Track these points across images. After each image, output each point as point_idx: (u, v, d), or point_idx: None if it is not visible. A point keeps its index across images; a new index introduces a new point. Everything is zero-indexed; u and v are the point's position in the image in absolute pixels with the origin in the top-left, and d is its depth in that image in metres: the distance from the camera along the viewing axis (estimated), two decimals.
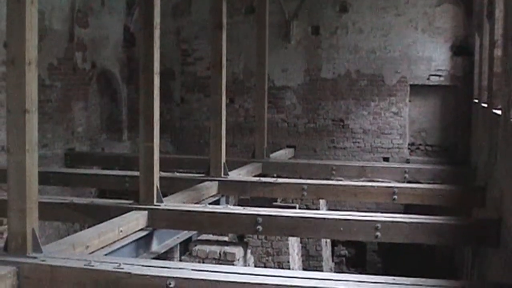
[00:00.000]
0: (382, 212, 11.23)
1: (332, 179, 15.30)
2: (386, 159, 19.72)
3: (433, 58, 19.46)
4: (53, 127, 16.60)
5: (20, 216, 7.73)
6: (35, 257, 7.72)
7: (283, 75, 20.39)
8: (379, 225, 9.94)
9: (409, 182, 15.12)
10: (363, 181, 15.13)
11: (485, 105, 13.48)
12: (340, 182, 14.00)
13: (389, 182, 14.78)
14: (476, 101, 16.83)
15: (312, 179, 14.38)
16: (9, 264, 7.58)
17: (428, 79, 19.54)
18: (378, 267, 19.38)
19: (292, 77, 20.38)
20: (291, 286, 7.08)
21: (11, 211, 7.79)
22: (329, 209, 16.69)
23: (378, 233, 9.96)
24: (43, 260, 7.66)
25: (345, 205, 18.30)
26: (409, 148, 19.89)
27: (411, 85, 19.70)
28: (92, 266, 7.54)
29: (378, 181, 15.00)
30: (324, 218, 10.23)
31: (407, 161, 19.14)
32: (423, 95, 19.74)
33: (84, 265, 7.56)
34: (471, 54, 18.84)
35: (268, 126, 16.89)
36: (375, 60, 19.84)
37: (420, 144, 20.01)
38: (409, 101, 19.78)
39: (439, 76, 19.47)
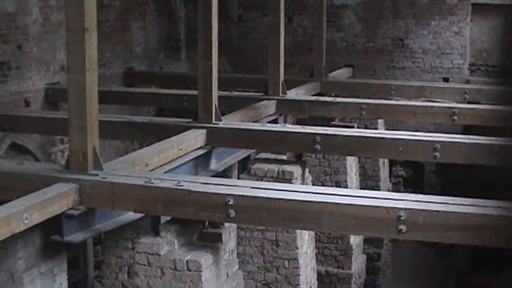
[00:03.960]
0: (441, 133, 11.14)
1: (391, 99, 15.18)
2: (446, 80, 19.42)
3: None
4: (111, 47, 16.63)
5: (81, 134, 7.83)
6: (96, 175, 7.84)
7: None
8: (438, 145, 9.89)
9: (469, 102, 14.93)
10: (422, 101, 14.98)
11: None
12: (399, 102, 13.90)
13: (449, 102, 14.62)
14: None
15: (370, 98, 14.29)
16: (71, 181, 7.71)
17: None
18: (436, 188, 19.28)
19: None
20: (349, 204, 7.10)
21: (72, 129, 7.88)
22: (387, 129, 16.57)
23: (437, 154, 9.92)
24: (104, 178, 7.77)
25: (404, 125, 18.08)
26: (469, 69, 19.54)
27: (472, 4, 19.24)
28: (152, 183, 7.62)
29: (437, 102, 14.85)
30: (382, 138, 10.21)
31: (467, 82, 18.84)
32: (484, 14, 19.31)
33: (144, 182, 7.65)
34: None
35: (326, 45, 16.74)
36: None
37: (481, 65, 19.65)
38: (471, 20, 19.36)
39: None
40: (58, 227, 7.63)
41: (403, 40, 19.76)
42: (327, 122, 13.78)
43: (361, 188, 15.52)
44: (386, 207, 7.00)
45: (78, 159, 7.89)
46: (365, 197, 7.29)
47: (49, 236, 7.75)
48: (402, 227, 6.93)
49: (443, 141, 9.93)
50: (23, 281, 7.62)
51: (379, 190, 15.98)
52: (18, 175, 7.96)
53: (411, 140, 10.06)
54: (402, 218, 6.91)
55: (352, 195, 7.41)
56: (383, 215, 6.99)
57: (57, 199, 7.34)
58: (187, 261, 8.17)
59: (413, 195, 7.52)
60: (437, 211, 6.93)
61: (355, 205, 7.09)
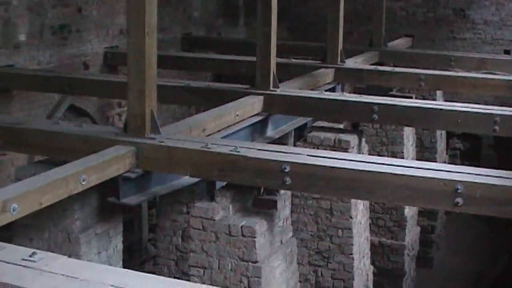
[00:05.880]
0: (500, 106, 10.99)
1: (450, 70, 15.00)
2: (507, 52, 19.11)
3: None
4: (170, 12, 16.65)
5: (139, 98, 7.86)
6: (153, 138, 7.87)
7: None
8: (498, 118, 9.73)
9: None
10: (482, 73, 14.78)
11: None
12: (458, 74, 13.72)
13: (510, 75, 14.40)
14: None
15: (430, 69, 14.13)
16: (128, 144, 7.75)
17: None
18: (493, 163, 19.05)
19: None
20: (405, 175, 7.04)
21: (130, 92, 7.92)
22: (446, 101, 16.40)
23: (496, 127, 9.76)
24: (161, 141, 7.80)
25: (463, 97, 17.88)
26: None
27: None
28: (209, 148, 7.63)
29: (498, 74, 14.63)
30: (441, 109, 10.10)
31: None
32: None
33: (201, 147, 7.66)
34: None
35: (386, 14, 16.58)
36: None
37: None
38: None
39: None
40: (114, 189, 7.71)
41: (464, 10, 19.49)
42: (385, 92, 13.67)
43: (417, 160, 15.39)
44: (443, 179, 6.91)
45: (136, 122, 7.93)
46: (421, 168, 7.22)
47: (105, 198, 7.84)
48: (459, 200, 6.85)
49: (503, 114, 9.77)
50: (80, 241, 7.74)
51: (436, 162, 15.85)
52: (76, 137, 8.02)
53: (470, 112, 9.91)
54: (459, 191, 6.83)
55: (408, 166, 7.33)
56: (440, 187, 6.91)
57: (114, 161, 7.40)
58: (241, 227, 8.20)
59: (470, 168, 7.42)
60: (495, 185, 6.82)
61: (411, 176, 7.02)
